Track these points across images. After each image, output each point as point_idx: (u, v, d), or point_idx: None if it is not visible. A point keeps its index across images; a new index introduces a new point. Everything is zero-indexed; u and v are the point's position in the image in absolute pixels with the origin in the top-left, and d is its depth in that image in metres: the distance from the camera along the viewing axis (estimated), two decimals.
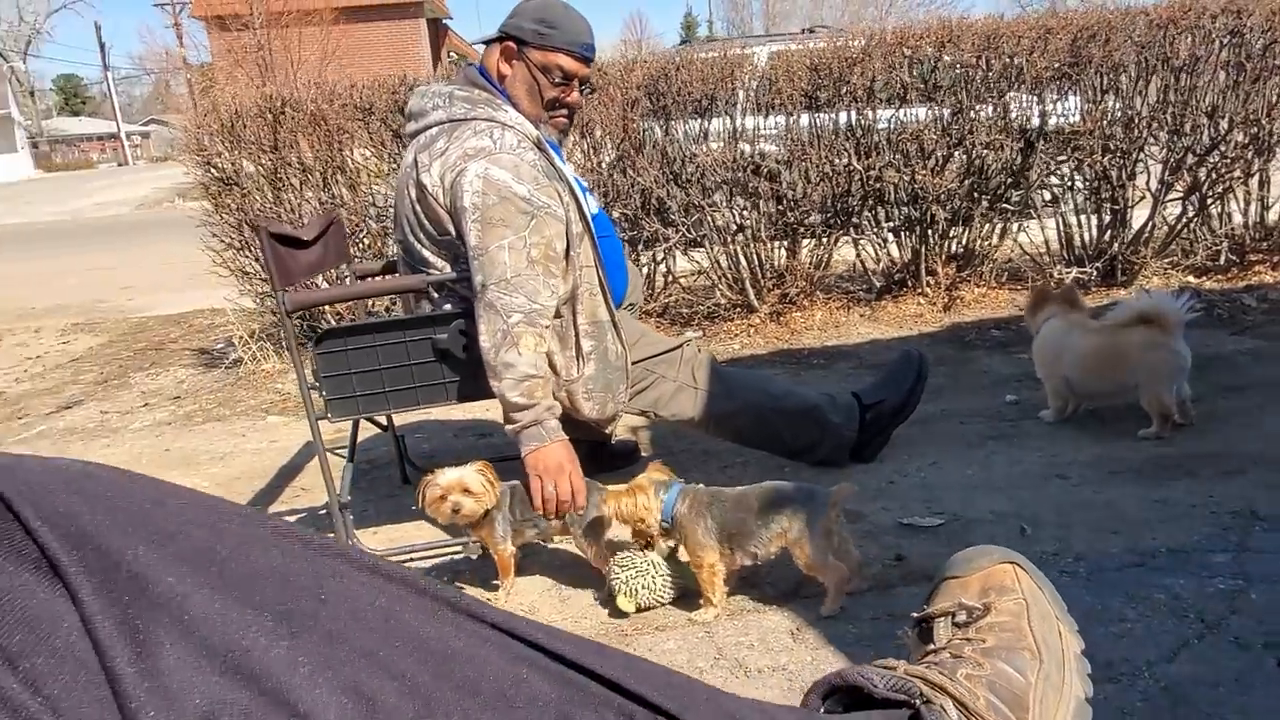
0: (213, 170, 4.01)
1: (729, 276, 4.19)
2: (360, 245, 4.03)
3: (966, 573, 0.93)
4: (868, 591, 1.83)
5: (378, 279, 2.39)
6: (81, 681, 0.39)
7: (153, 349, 5.28)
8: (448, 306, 2.10)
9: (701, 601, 1.83)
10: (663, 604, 1.88)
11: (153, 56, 46.10)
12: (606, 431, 2.33)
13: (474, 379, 2.02)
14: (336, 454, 3.01)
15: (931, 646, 0.86)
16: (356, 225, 4.03)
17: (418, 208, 2.07)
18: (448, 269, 2.07)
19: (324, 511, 2.53)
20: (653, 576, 1.85)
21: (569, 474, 1.92)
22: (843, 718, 0.73)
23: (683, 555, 1.89)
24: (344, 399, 2.04)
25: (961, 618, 0.86)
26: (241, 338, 4.36)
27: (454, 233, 2.02)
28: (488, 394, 1.99)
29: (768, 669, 1.62)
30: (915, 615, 0.95)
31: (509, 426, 1.99)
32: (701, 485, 1.90)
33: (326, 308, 3.91)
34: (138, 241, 11.15)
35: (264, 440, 3.30)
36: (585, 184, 2.31)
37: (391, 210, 2.19)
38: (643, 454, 2.73)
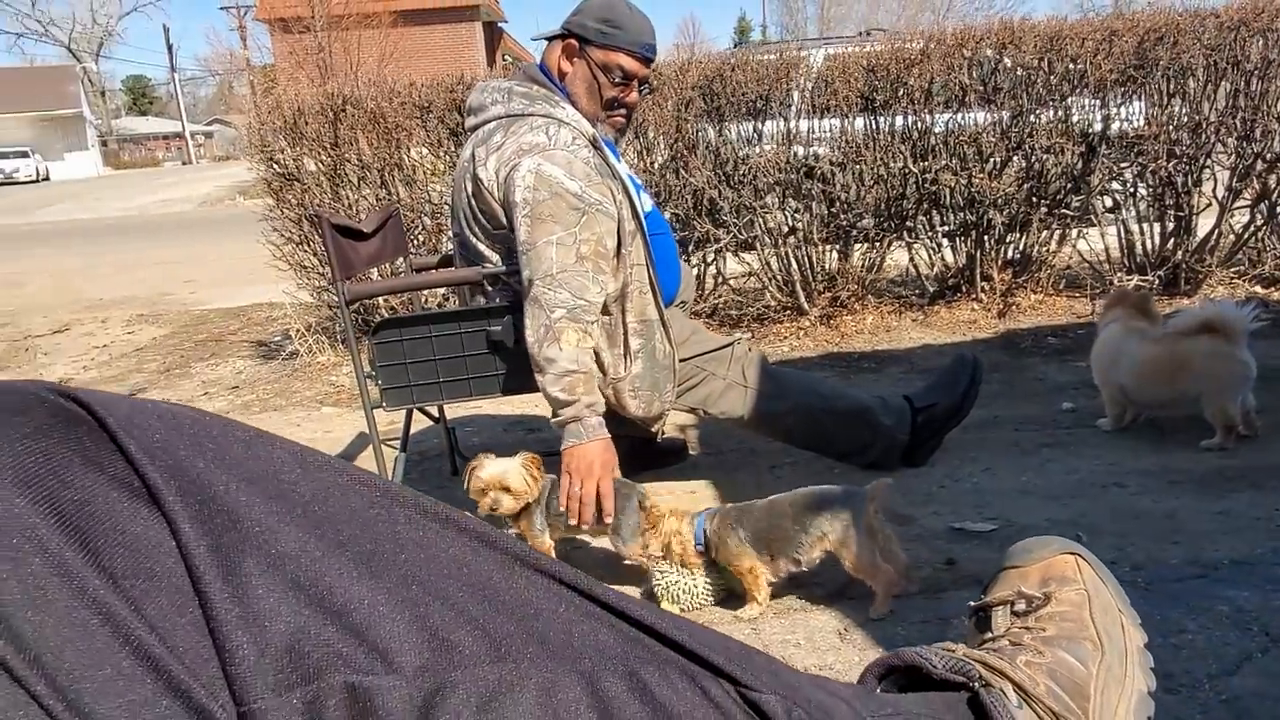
0: (275, 166, 4.10)
1: (779, 278, 4.17)
2: (416, 241, 4.09)
3: (1026, 562, 0.91)
4: (918, 594, 1.80)
5: (434, 272, 2.43)
6: (177, 604, 0.41)
7: (213, 340, 5.42)
8: (499, 300, 2.13)
9: (747, 601, 1.82)
10: (704, 607, 1.88)
11: (218, 58, 47.39)
12: (653, 430, 2.34)
13: (526, 372, 2.04)
14: (389, 445, 3.07)
15: (989, 635, 0.85)
16: (412, 221, 4.10)
17: (473, 201, 2.10)
18: (502, 262, 2.10)
19: None
20: (694, 580, 1.86)
21: (598, 477, 1.91)
22: (900, 697, 0.72)
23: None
24: (399, 388, 2.07)
25: (1021, 606, 0.85)
26: (299, 330, 4.45)
27: (508, 226, 2.05)
28: (534, 387, 2.01)
29: (814, 668, 1.60)
30: (973, 604, 0.94)
31: (552, 421, 2.01)
32: (727, 505, 1.91)
33: (381, 301, 3.98)
34: (200, 237, 11.45)
35: (318, 430, 3.37)
36: (640, 182, 2.32)
37: (448, 205, 2.22)
38: (691, 452, 2.73)
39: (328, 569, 0.45)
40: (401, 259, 2.54)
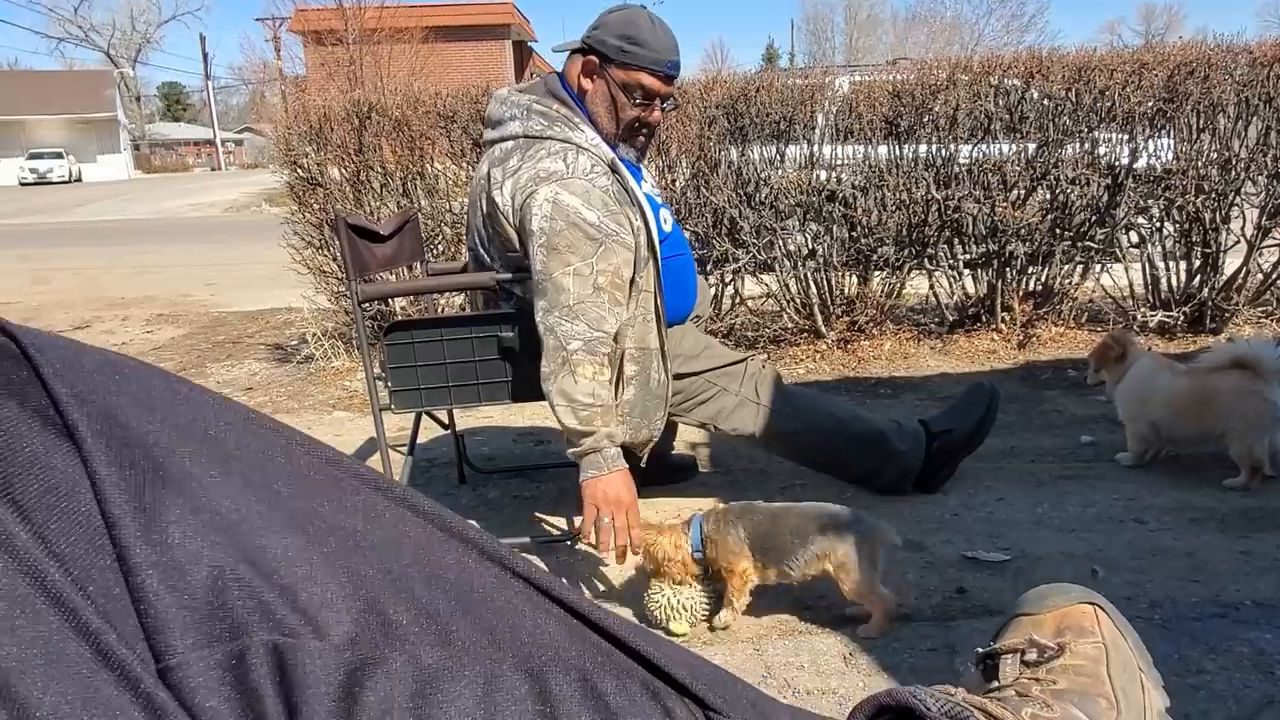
0: (299, 171, 4.12)
1: (797, 301, 4.14)
2: (435, 251, 4.10)
3: (1041, 610, 0.86)
4: (926, 621, 1.76)
5: (447, 275, 2.42)
6: (96, 546, 0.38)
7: (230, 342, 5.45)
8: (513, 306, 2.11)
9: (724, 606, 1.81)
10: (708, 616, 1.84)
11: (251, 68, 48.11)
12: (638, 455, 2.27)
13: (536, 380, 2.02)
14: (397, 450, 3.05)
15: (995, 684, 0.80)
16: (433, 231, 4.10)
17: (489, 222, 2.07)
18: (518, 289, 2.07)
19: None
20: (690, 592, 1.82)
21: (626, 508, 1.87)
22: None
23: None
24: (408, 391, 2.06)
25: (1032, 656, 0.80)
26: (315, 335, 4.46)
27: (522, 253, 2.02)
28: (555, 419, 1.98)
29: (817, 691, 1.56)
30: (980, 650, 0.88)
31: (569, 451, 1.98)
32: (727, 504, 1.88)
33: (398, 309, 3.98)
34: (224, 242, 11.56)
35: (328, 433, 3.36)
36: (660, 200, 2.29)
37: (466, 217, 2.22)
38: (701, 470, 2.70)
39: (258, 524, 0.42)
40: (418, 264, 2.53)
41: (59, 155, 37.43)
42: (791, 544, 1.73)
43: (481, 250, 2.12)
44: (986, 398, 2.37)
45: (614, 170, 2.04)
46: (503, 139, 2.08)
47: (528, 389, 2.06)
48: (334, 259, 4.18)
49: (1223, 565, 1.93)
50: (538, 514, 2.48)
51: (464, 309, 3.78)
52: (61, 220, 17.43)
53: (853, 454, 2.32)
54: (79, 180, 37.28)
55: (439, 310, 3.56)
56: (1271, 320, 4.06)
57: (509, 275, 2.04)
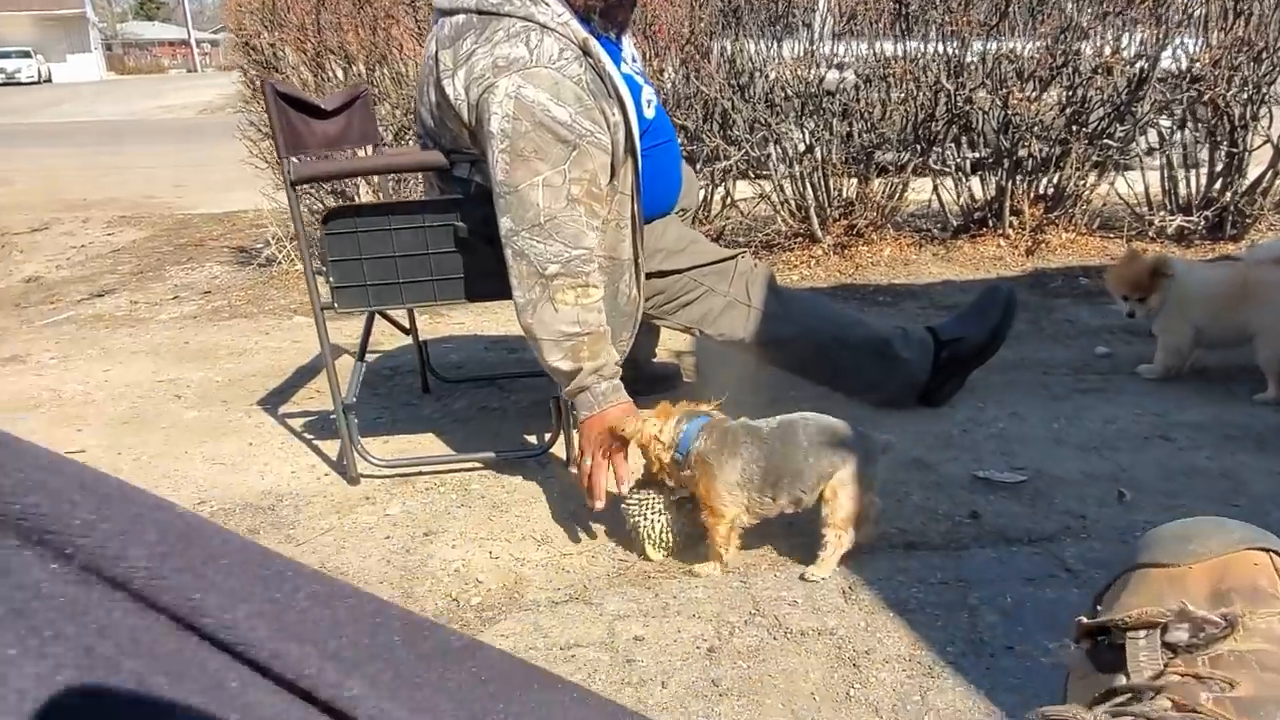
0: (251, 53, 3.77)
1: (792, 204, 3.86)
2: (404, 143, 3.78)
3: (1184, 559, 0.60)
4: (936, 551, 1.56)
5: (393, 153, 2.14)
6: None
7: (193, 245, 5.17)
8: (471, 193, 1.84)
9: (709, 557, 1.58)
10: (688, 538, 1.63)
11: None
12: None
13: (499, 276, 1.77)
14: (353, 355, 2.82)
15: (1122, 681, 0.53)
16: (402, 124, 3.77)
17: (438, 113, 1.77)
18: (477, 176, 1.79)
19: (334, 415, 2.33)
20: (671, 515, 1.60)
21: (611, 449, 1.65)
22: None
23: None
24: (353, 288, 1.81)
25: (1181, 635, 0.53)
26: (276, 236, 4.17)
27: (478, 153, 1.73)
28: (511, 294, 1.74)
29: (813, 632, 1.37)
30: (1085, 620, 0.61)
31: (563, 393, 1.75)
32: (733, 419, 1.61)
33: (363, 196, 3.68)
34: (197, 143, 11.08)
35: (286, 340, 3.12)
36: (642, 80, 1.97)
37: (413, 101, 1.91)
38: (685, 380, 2.47)
39: None
40: (371, 148, 2.25)
41: (26, 55, 35.98)
42: (804, 465, 1.50)
43: (431, 143, 1.83)
44: (1003, 302, 2.14)
45: (586, 53, 1.71)
46: (452, 11, 1.75)
47: (489, 286, 1.82)
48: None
49: (1266, 488, 1.73)
50: (507, 426, 2.27)
51: None
52: (28, 121, 16.76)
53: (853, 364, 2.10)
54: (48, 81, 35.96)
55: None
56: None
57: (466, 155, 1.77)
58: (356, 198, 3.75)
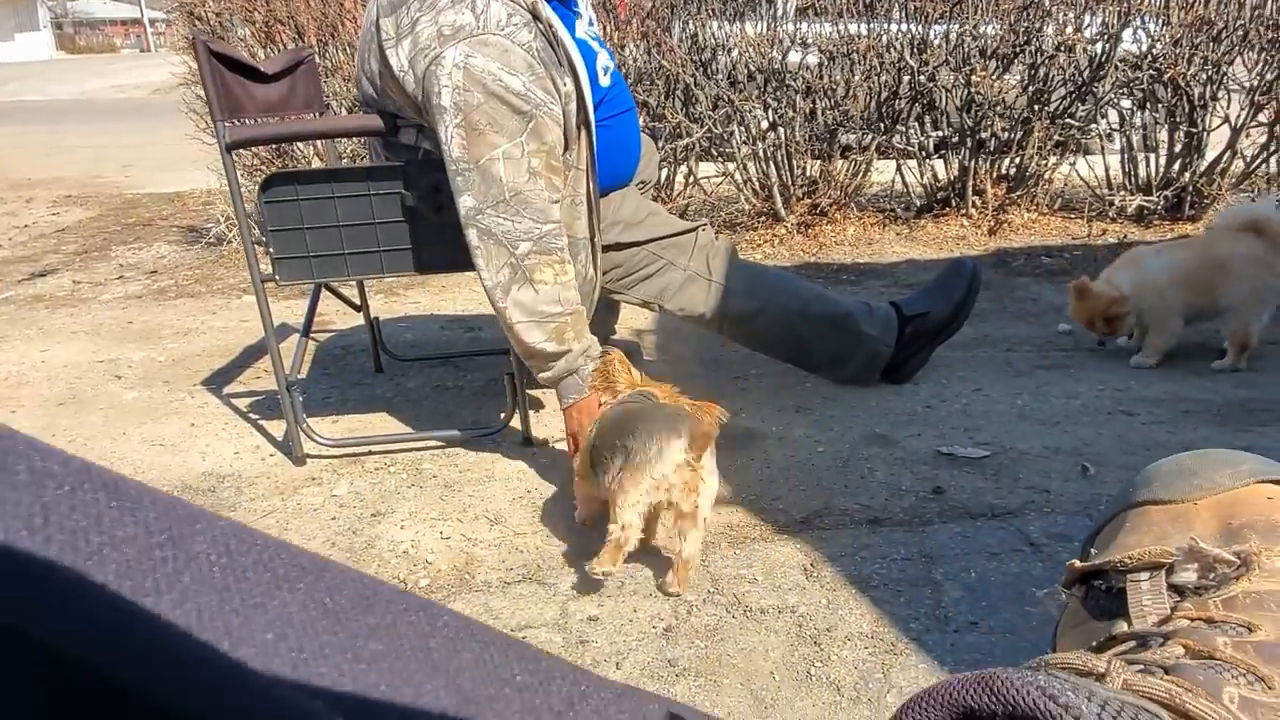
0: (197, 23, 3.63)
1: (756, 182, 3.81)
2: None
3: (1188, 494, 0.54)
4: (899, 526, 1.53)
5: (334, 116, 2.05)
6: None
7: (141, 225, 5.02)
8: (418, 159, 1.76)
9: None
10: None
11: None
12: None
13: (450, 247, 1.70)
14: (313, 338, 2.73)
15: (1124, 627, 0.47)
16: (356, 98, 3.66)
17: (380, 83, 1.68)
18: (425, 142, 1.71)
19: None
20: None
21: None
22: None
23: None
24: (295, 259, 1.73)
25: (1189, 576, 0.47)
26: (226, 215, 4.05)
27: (430, 131, 1.64)
28: (463, 265, 1.67)
29: (773, 610, 1.33)
30: (1079, 564, 0.54)
31: (540, 376, 1.68)
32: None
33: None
34: (148, 123, 10.78)
35: (234, 319, 3.01)
36: (598, 45, 1.89)
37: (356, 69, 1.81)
38: (645, 358, 2.42)
39: None
40: (316, 113, 2.15)
41: None
42: (607, 458, 1.36)
43: (374, 113, 1.74)
44: (967, 277, 2.10)
45: (536, 17, 1.62)
46: None
47: (440, 257, 1.75)
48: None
49: None
50: (461, 406, 2.20)
51: None
52: None
53: (815, 339, 2.06)
54: None
55: None
56: None
57: (413, 121, 1.69)
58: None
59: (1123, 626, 0.46)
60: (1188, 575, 0.47)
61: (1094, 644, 0.46)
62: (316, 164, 3.65)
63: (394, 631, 0.23)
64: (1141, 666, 0.38)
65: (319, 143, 3.63)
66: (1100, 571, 0.51)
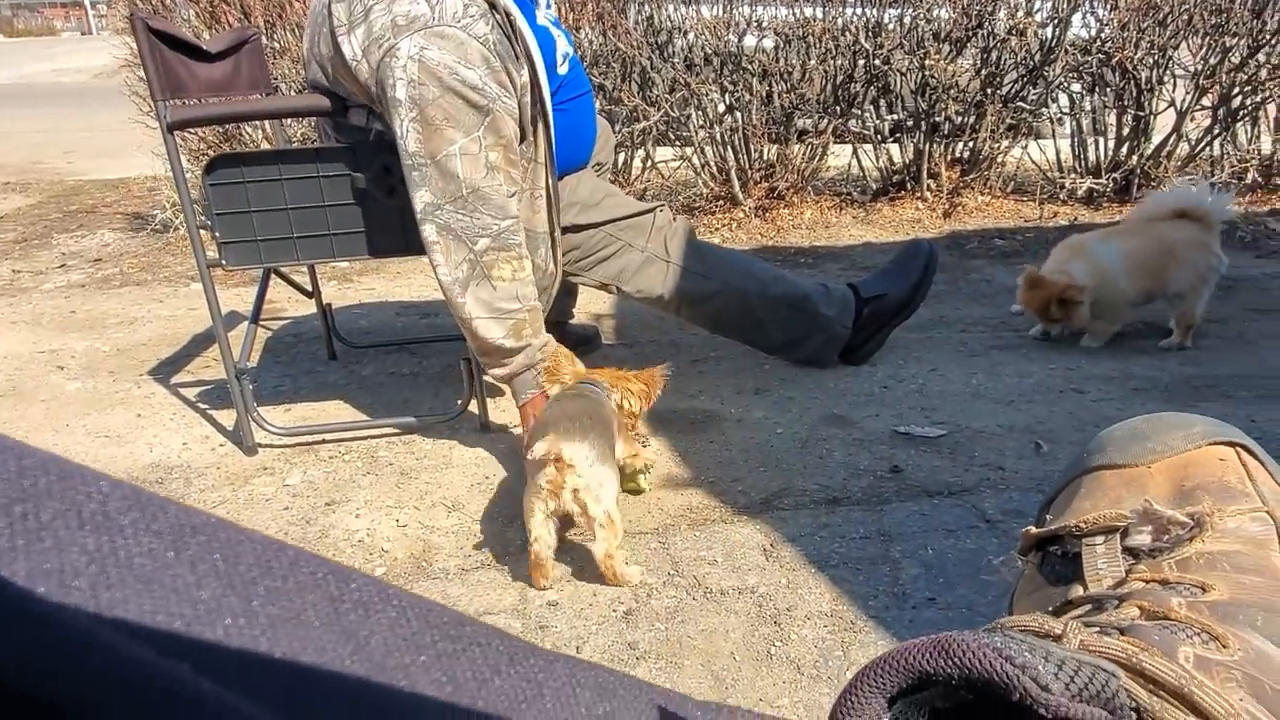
0: (139, 3, 3.52)
1: (713, 166, 3.81)
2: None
3: (1142, 458, 0.54)
4: (857, 505, 1.54)
5: (281, 96, 2.00)
6: None
7: (84, 212, 4.87)
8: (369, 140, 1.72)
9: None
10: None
11: None
12: None
13: (403, 230, 1.67)
14: (265, 327, 2.67)
15: (1080, 591, 0.46)
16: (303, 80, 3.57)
17: (330, 70, 1.63)
18: (376, 124, 1.67)
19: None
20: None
21: None
22: None
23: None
24: (242, 244, 1.68)
25: (1143, 538, 0.47)
26: (172, 201, 3.94)
27: (386, 124, 1.60)
28: (416, 248, 1.64)
29: (733, 591, 1.33)
30: (1034, 530, 0.54)
31: (494, 374, 1.65)
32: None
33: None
34: (91, 108, 10.47)
35: (182, 307, 2.94)
36: (559, 26, 1.86)
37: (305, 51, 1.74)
38: (604, 342, 2.41)
39: None
40: (262, 93, 2.09)
41: None
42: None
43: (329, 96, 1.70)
44: (924, 258, 2.12)
45: (493, 7, 1.58)
46: None
47: (393, 240, 1.71)
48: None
49: None
50: (417, 392, 2.17)
51: None
52: None
53: (773, 320, 2.06)
54: None
55: None
56: None
57: (361, 102, 1.65)
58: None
59: (1078, 590, 0.46)
60: (1142, 538, 0.48)
61: (1051, 609, 0.46)
62: (265, 147, 3.57)
63: (297, 596, 0.21)
64: (1098, 628, 0.38)
65: (267, 124, 3.55)
66: (1056, 537, 0.51)
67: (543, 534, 1.32)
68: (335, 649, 0.21)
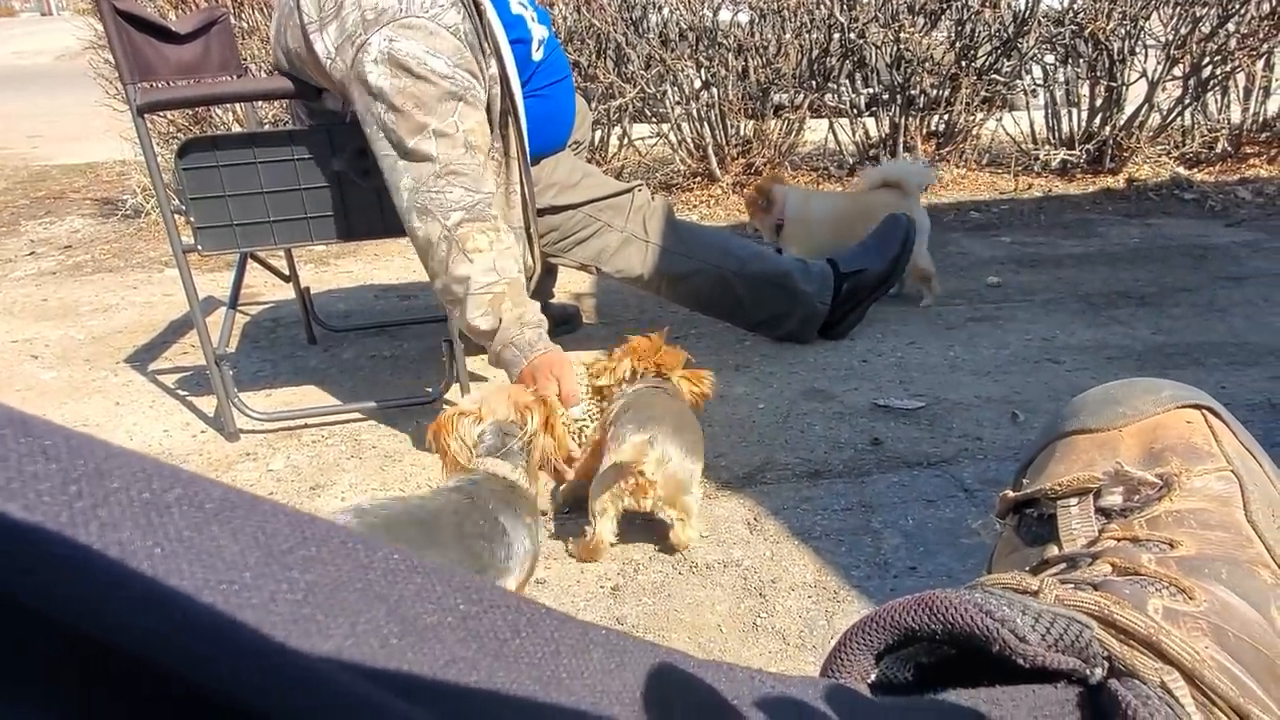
0: None
1: (690, 142, 3.80)
2: None
3: (1113, 422, 0.56)
4: (839, 477, 1.56)
5: (253, 78, 1.98)
6: None
7: (52, 198, 4.79)
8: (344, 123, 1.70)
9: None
10: None
11: None
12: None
13: (377, 212, 1.67)
14: (244, 312, 2.65)
15: (1055, 551, 0.48)
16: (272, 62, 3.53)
17: (298, 64, 1.62)
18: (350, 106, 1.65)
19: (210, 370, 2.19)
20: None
21: (559, 378, 1.56)
22: (931, 702, 0.32)
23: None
24: (218, 228, 1.67)
25: (1114, 499, 0.49)
26: (143, 185, 3.89)
27: (359, 117, 1.59)
28: (394, 230, 1.63)
29: (718, 564, 1.35)
30: (1011, 494, 0.56)
31: (490, 359, 1.65)
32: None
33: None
34: (54, 91, 10.26)
35: (157, 293, 2.91)
36: (536, 11, 1.84)
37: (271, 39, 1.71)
38: (585, 321, 2.41)
39: None
40: (233, 75, 2.07)
41: None
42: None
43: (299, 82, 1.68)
44: (902, 232, 2.14)
45: None
46: None
47: (369, 223, 1.70)
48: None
49: None
50: (398, 375, 2.17)
51: None
52: None
53: (753, 297, 2.07)
54: None
55: None
56: (1170, 160, 3.96)
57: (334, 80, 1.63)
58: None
59: (1054, 550, 0.48)
60: (1114, 499, 0.50)
61: (1028, 568, 0.48)
62: (237, 129, 3.52)
63: (331, 563, 0.22)
64: (1072, 584, 0.40)
65: (239, 107, 3.50)
66: (1032, 500, 0.53)
67: (611, 526, 1.34)
68: (369, 611, 0.22)
